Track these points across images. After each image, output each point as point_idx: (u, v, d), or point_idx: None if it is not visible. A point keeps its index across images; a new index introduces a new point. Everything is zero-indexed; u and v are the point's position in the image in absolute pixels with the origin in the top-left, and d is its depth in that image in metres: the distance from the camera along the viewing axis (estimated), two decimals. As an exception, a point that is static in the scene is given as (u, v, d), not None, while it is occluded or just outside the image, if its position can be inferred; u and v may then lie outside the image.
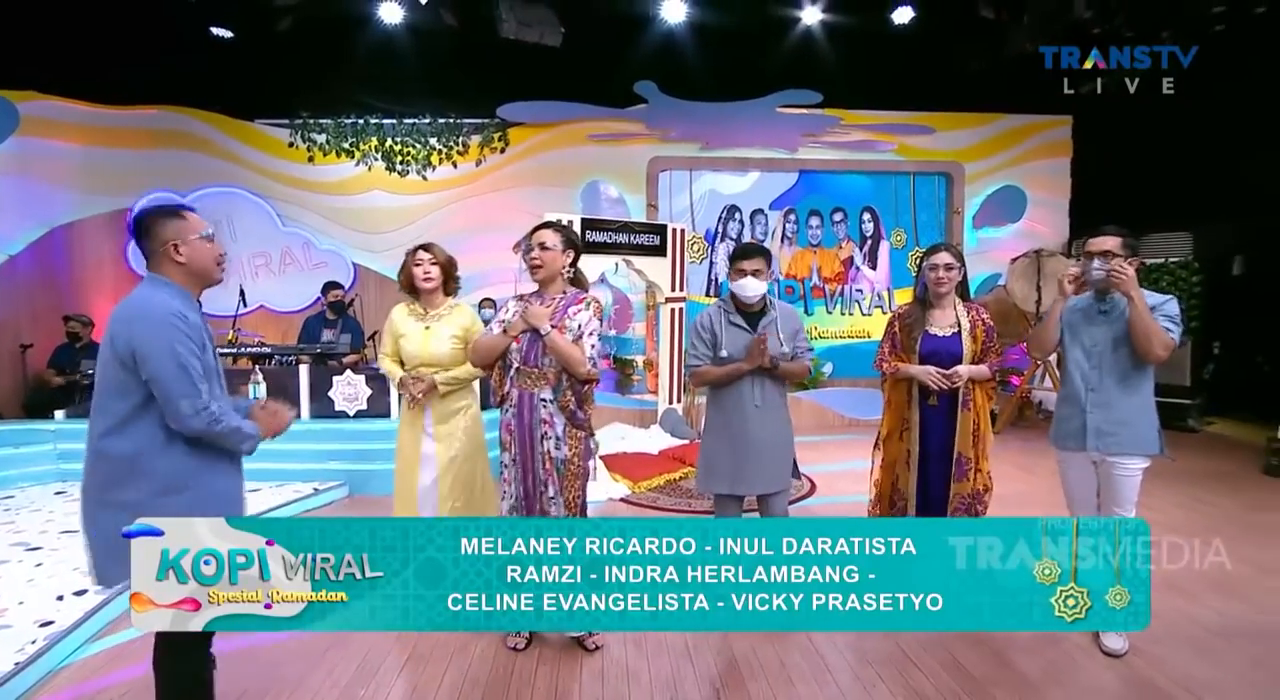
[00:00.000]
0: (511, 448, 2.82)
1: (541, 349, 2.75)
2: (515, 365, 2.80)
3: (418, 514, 3.10)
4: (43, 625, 2.94)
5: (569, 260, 2.85)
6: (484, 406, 3.47)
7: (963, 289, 3.16)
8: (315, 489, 4.99)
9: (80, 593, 3.23)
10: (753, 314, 3.02)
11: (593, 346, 2.79)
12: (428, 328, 3.15)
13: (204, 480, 1.96)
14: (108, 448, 1.89)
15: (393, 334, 3.20)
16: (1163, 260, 7.60)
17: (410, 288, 3.20)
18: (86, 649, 2.89)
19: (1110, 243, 2.77)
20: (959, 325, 3.08)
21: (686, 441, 6.34)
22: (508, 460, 2.85)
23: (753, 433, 2.95)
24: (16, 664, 2.61)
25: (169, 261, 1.96)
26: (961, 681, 2.64)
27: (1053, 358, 6.95)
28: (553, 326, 2.73)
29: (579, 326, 2.78)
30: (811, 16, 7.06)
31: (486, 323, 7.39)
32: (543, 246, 2.80)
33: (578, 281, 2.94)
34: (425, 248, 3.19)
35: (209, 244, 2.01)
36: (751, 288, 2.94)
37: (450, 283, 3.25)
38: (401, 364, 3.23)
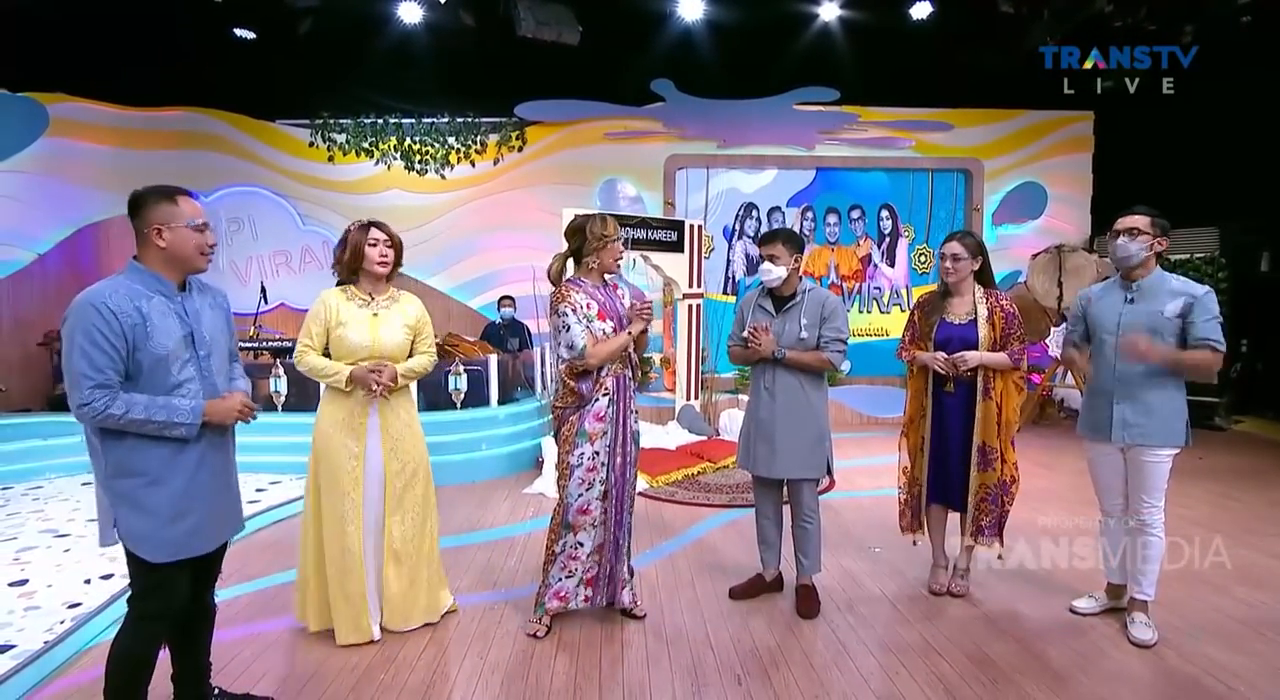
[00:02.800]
0: (606, 435, 2.83)
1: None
2: None
3: (355, 537, 2.73)
4: (71, 607, 2.99)
5: None
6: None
7: (985, 277, 3.14)
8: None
9: (106, 577, 3.29)
10: (781, 298, 3.07)
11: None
12: (376, 315, 2.75)
13: (152, 467, 1.95)
14: (83, 428, 1.98)
15: (324, 323, 2.70)
16: (1188, 256, 7.49)
17: (352, 270, 2.75)
18: (112, 630, 2.90)
19: (1139, 220, 2.73)
20: (975, 313, 3.07)
21: (704, 437, 6.33)
22: (599, 448, 2.82)
23: (761, 415, 3.07)
24: (46, 642, 2.67)
25: (151, 244, 1.97)
26: (986, 670, 2.60)
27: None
28: (626, 311, 2.91)
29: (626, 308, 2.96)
30: (829, 13, 7.04)
31: (507, 322, 7.38)
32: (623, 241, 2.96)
33: None
34: (378, 226, 2.76)
35: (195, 234, 1.99)
36: (766, 272, 3.02)
37: (396, 267, 2.83)
38: (327, 357, 2.77)
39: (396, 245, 2.79)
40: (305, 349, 2.72)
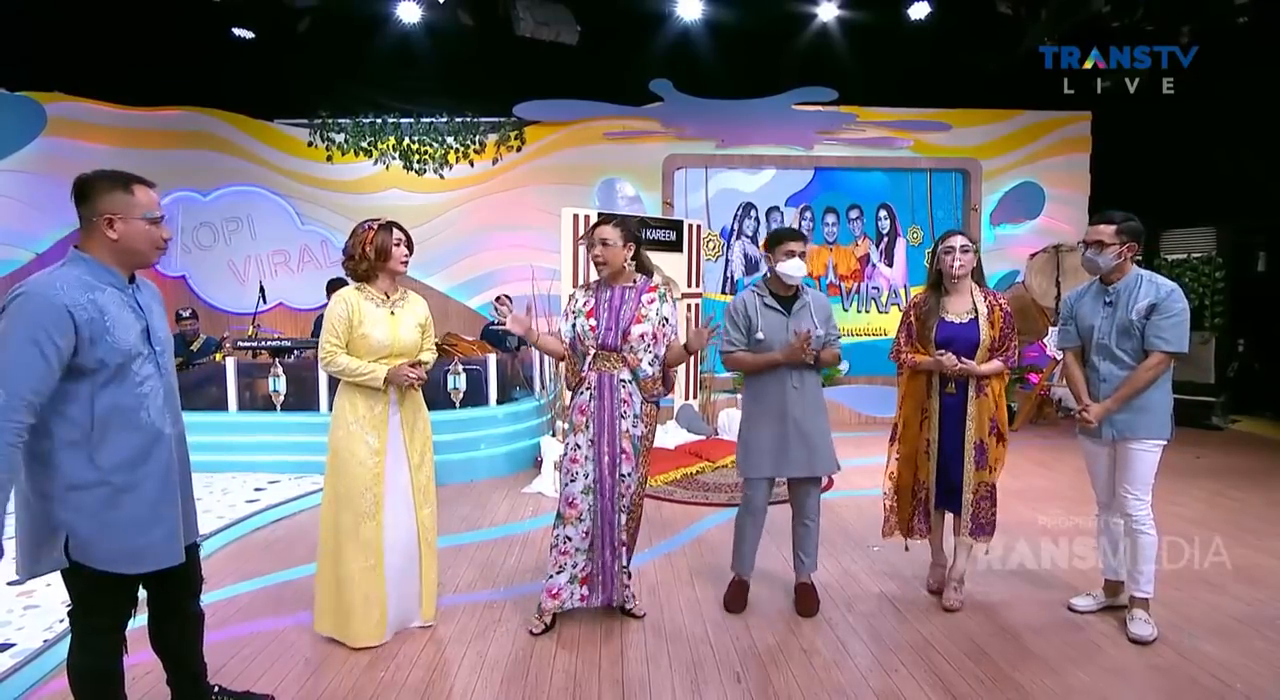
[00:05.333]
0: (588, 429, 2.86)
1: (621, 336, 2.84)
2: (593, 351, 2.86)
3: (374, 533, 2.74)
4: (70, 606, 2.98)
5: (630, 253, 2.90)
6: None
7: (979, 275, 3.11)
8: (334, 481, 5.03)
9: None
10: (787, 298, 3.04)
11: (674, 332, 2.94)
12: (393, 314, 2.81)
13: (119, 474, 1.81)
14: (21, 438, 1.76)
15: (350, 323, 2.74)
16: (1185, 256, 7.51)
17: (373, 270, 2.78)
18: (112, 629, 2.92)
19: (1104, 232, 2.80)
20: (975, 310, 3.02)
21: (702, 437, 6.34)
22: (581, 442, 2.87)
23: (794, 415, 2.99)
24: (45, 641, 2.67)
25: (100, 234, 1.81)
26: (984, 667, 2.61)
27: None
28: (634, 316, 2.85)
29: (661, 318, 2.88)
30: (827, 13, 7.05)
31: (497, 326, 7.35)
32: (604, 243, 2.86)
33: (644, 268, 3.00)
34: (399, 226, 2.82)
35: (151, 227, 1.86)
36: (796, 268, 2.97)
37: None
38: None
39: (411, 245, 2.88)
40: (335, 349, 2.74)
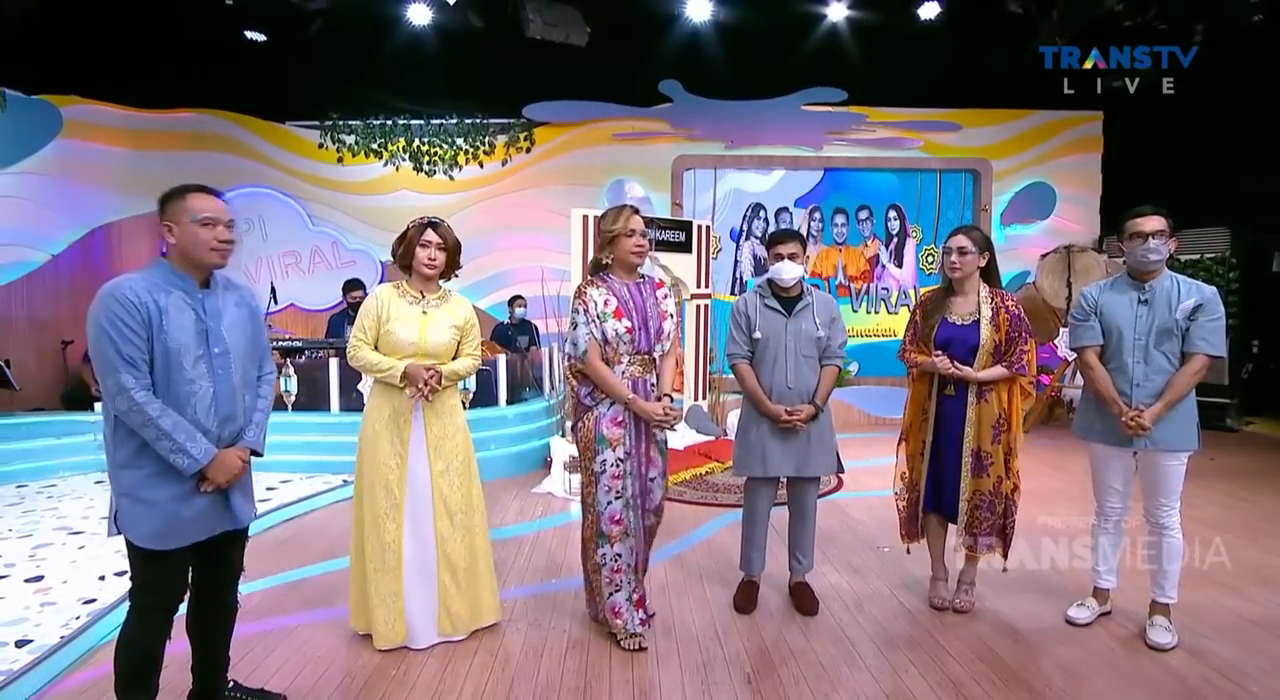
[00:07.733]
0: (625, 441, 2.72)
1: (657, 335, 2.76)
2: (628, 357, 2.72)
3: (394, 535, 2.71)
4: (86, 602, 3.03)
5: None
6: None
7: (991, 275, 3.01)
8: (345, 480, 5.06)
9: (121, 573, 3.31)
10: (789, 299, 3.03)
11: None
12: (425, 313, 2.74)
13: (161, 461, 1.94)
14: (102, 420, 2.03)
15: (378, 318, 2.71)
16: (1199, 256, 7.45)
17: (405, 267, 2.79)
18: (128, 626, 2.94)
19: (1162, 222, 2.69)
20: (979, 313, 2.93)
21: (711, 438, 6.34)
22: (621, 455, 2.71)
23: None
24: (62, 637, 2.70)
25: (165, 241, 2.02)
26: (995, 668, 2.60)
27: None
28: (659, 313, 2.78)
29: (670, 312, 2.83)
30: (837, 13, 7.05)
31: (516, 321, 7.36)
32: (643, 234, 2.78)
33: None
34: (434, 227, 2.73)
35: (202, 229, 1.98)
36: (788, 271, 2.96)
37: (450, 270, 2.83)
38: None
39: (450, 249, 2.76)
40: (360, 344, 2.73)
